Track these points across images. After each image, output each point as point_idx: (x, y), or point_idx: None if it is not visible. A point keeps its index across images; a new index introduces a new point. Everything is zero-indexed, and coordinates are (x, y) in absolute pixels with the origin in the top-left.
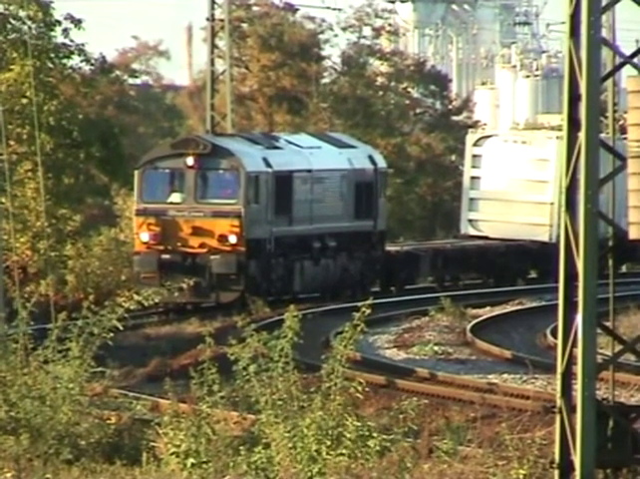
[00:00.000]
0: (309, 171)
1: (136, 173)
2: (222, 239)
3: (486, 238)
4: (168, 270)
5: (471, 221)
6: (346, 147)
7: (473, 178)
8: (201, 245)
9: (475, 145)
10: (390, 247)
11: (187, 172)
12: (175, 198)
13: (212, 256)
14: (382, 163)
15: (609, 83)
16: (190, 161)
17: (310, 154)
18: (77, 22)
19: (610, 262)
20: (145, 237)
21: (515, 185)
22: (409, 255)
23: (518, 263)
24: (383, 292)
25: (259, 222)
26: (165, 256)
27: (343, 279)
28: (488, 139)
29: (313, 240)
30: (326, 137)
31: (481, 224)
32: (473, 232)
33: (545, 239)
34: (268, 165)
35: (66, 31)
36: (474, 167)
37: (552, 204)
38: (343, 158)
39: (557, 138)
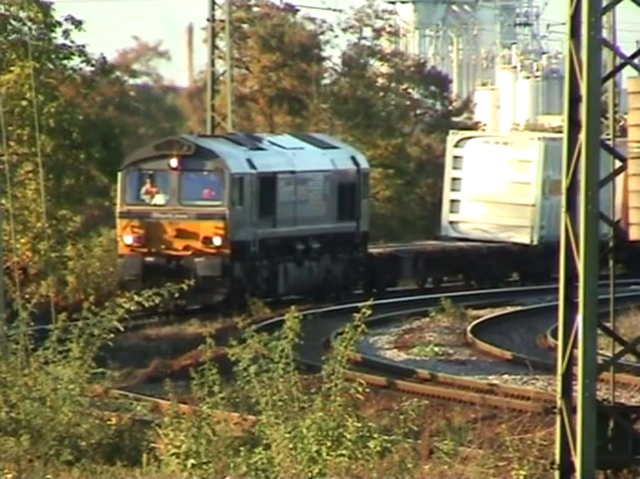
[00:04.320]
0: (293, 172)
1: (119, 174)
2: (207, 241)
3: (467, 239)
4: (152, 273)
5: (451, 222)
6: (329, 147)
7: (454, 179)
8: (186, 248)
9: (455, 146)
10: (372, 249)
11: (171, 173)
12: (159, 199)
13: (197, 259)
14: (364, 163)
15: (610, 84)
16: (174, 162)
17: (293, 155)
18: (77, 23)
19: (610, 263)
20: (128, 239)
21: (497, 186)
22: (391, 257)
23: (500, 265)
24: (365, 294)
25: (244, 224)
26: (149, 259)
27: (327, 281)
28: (470, 140)
29: (297, 242)
30: (309, 137)
31: (462, 225)
32: (453, 233)
33: (527, 241)
34: (252, 166)
35: (66, 32)
36: (455, 168)
37: (534, 205)
38: (326, 159)
39: (539, 139)
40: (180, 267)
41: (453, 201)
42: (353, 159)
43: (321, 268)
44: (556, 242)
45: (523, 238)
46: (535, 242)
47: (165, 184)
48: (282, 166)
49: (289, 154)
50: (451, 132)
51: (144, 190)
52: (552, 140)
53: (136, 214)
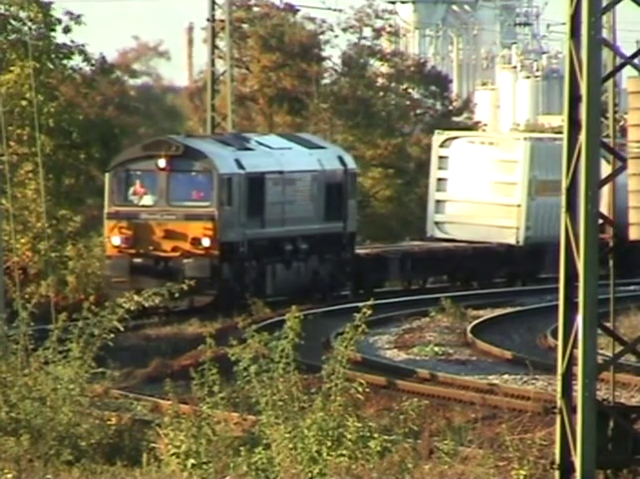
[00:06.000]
0: (280, 172)
1: (106, 175)
2: (195, 242)
3: (453, 240)
4: (141, 275)
5: (437, 223)
6: (316, 148)
7: (439, 179)
8: (174, 249)
9: (441, 146)
10: (359, 250)
11: (159, 174)
12: (147, 200)
13: (185, 260)
14: (351, 164)
15: (610, 84)
16: (162, 162)
17: (281, 155)
18: (76, 18)
19: (611, 263)
20: (116, 240)
21: (483, 187)
22: (378, 258)
23: (486, 266)
24: (353, 296)
25: (232, 224)
26: (137, 260)
27: (314, 282)
28: (455, 140)
29: (285, 243)
30: (296, 137)
31: (448, 226)
32: (439, 234)
33: (512, 241)
34: (241, 166)
35: (67, 28)
36: (440, 168)
37: (520, 206)
38: (313, 159)
39: (525, 139)
40: (169, 269)
41: (438, 201)
42: (340, 159)
43: (309, 269)
44: (542, 243)
45: (509, 238)
46: (521, 243)
47: (154, 184)
48: (270, 166)
49: (277, 154)
50: (436, 132)
51: (131, 190)
52: (538, 140)
53: (123, 214)
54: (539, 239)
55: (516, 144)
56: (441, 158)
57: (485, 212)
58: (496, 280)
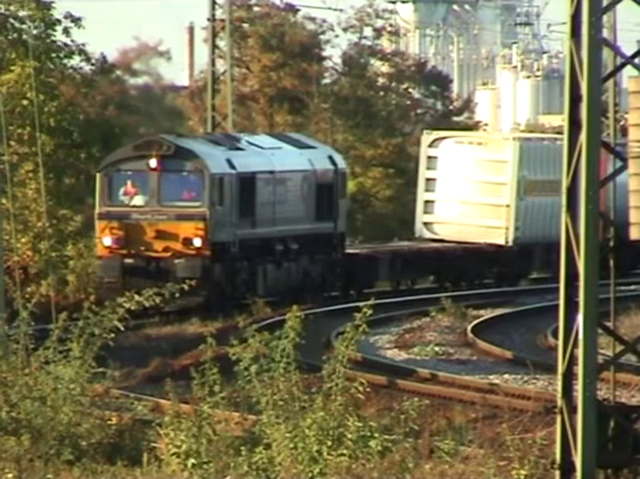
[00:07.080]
0: (271, 172)
1: (97, 175)
2: (187, 242)
3: (442, 240)
4: (132, 275)
5: (426, 223)
6: (306, 147)
7: (428, 179)
8: (165, 249)
9: (430, 146)
10: (349, 251)
11: (150, 174)
12: (138, 200)
13: (177, 260)
14: (342, 163)
15: (610, 83)
16: (153, 162)
17: (272, 154)
18: (77, 20)
19: (611, 263)
20: (107, 241)
21: (471, 187)
22: (368, 258)
23: (475, 267)
24: (343, 296)
25: (224, 224)
26: (129, 261)
27: (305, 282)
28: (444, 140)
29: (276, 243)
30: (286, 137)
31: (437, 226)
32: (428, 234)
33: (502, 241)
34: (232, 166)
35: (66, 30)
36: (429, 168)
37: (508, 206)
38: (304, 158)
39: (514, 139)
40: (160, 269)
41: (427, 201)
42: (330, 158)
43: (299, 269)
44: (531, 243)
45: (498, 238)
46: (510, 243)
47: (145, 184)
48: (261, 166)
49: (267, 154)
50: (425, 132)
51: (122, 190)
52: (527, 140)
53: (115, 215)
54: (528, 239)
55: (505, 144)
56: (429, 158)
57: (474, 212)
58: (485, 281)
